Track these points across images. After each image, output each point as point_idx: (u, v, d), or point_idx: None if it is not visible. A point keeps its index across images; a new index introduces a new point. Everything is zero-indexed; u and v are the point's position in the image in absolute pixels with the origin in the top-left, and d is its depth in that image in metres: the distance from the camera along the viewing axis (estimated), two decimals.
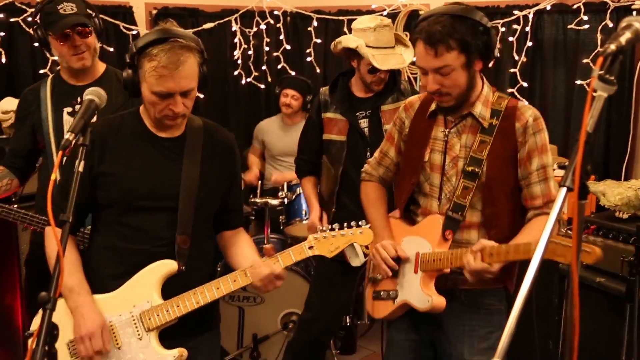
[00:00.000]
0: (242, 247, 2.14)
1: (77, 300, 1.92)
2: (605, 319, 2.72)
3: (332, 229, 2.00)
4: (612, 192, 2.83)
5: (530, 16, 3.95)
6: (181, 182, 1.97)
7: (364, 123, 3.04)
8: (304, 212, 3.81)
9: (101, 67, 2.70)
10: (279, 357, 3.52)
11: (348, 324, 3.98)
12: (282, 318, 3.65)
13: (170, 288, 1.94)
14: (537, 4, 3.94)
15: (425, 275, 2.11)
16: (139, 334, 1.94)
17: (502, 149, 2.05)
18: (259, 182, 4.29)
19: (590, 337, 2.74)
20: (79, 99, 2.57)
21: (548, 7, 3.92)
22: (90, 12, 2.58)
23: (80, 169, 1.69)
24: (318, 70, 4.77)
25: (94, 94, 1.82)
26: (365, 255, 2.89)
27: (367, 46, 2.92)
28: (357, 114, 3.04)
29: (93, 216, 2.08)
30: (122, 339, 1.94)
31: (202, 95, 4.35)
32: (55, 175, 1.62)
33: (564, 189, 1.41)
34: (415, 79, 4.40)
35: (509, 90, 3.97)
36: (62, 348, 1.92)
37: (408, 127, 2.25)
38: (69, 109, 2.61)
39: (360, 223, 2.02)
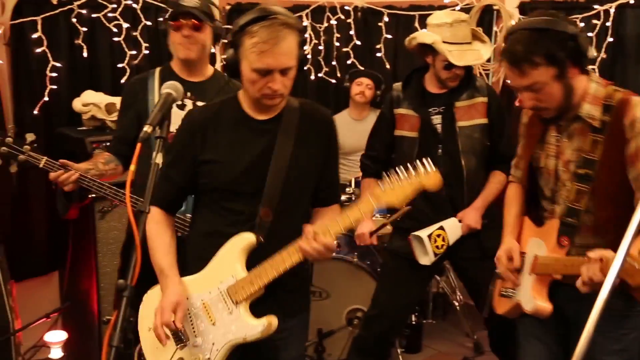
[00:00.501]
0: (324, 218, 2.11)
1: (165, 282, 2.01)
2: None
3: (397, 174, 1.88)
4: None
5: (612, 10, 3.80)
6: (272, 158, 2.00)
7: (436, 119, 2.99)
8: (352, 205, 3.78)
9: (210, 69, 2.77)
10: (343, 353, 3.53)
11: (414, 323, 3.96)
12: (347, 314, 3.66)
13: (256, 262, 1.98)
14: None
15: (538, 278, 2.09)
16: (229, 308, 2.00)
17: (615, 148, 1.95)
18: None
19: None
20: (188, 94, 2.64)
21: (632, 1, 3.76)
22: (212, 12, 2.66)
23: (158, 161, 1.74)
24: (388, 66, 4.73)
25: (171, 88, 1.86)
26: (436, 254, 2.87)
27: (444, 42, 2.88)
28: (430, 110, 3.00)
29: (195, 200, 2.17)
30: (215, 315, 2.02)
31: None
32: (135, 166, 1.67)
33: None
34: (487, 75, 4.31)
35: None
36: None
37: (527, 131, 2.25)
38: (178, 102, 2.67)
39: (425, 164, 1.88)
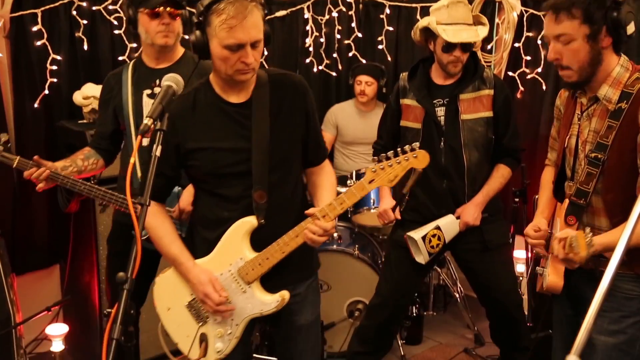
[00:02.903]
0: (323, 190, 2.24)
1: (182, 268, 2.13)
2: None
3: (387, 158, 2.00)
4: None
5: None
6: (252, 141, 2.07)
7: (440, 111, 2.98)
8: (372, 201, 3.80)
9: (180, 51, 2.81)
10: (344, 345, 3.54)
11: (415, 314, 3.96)
12: (348, 306, 3.67)
13: (260, 242, 2.10)
14: None
15: (554, 256, 2.11)
16: (242, 288, 2.13)
17: (628, 135, 1.97)
18: None
19: None
20: (157, 81, 2.68)
21: None
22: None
23: (158, 153, 1.74)
24: (389, 59, 4.72)
25: (172, 80, 1.87)
26: (430, 254, 2.89)
27: (441, 23, 2.88)
28: (435, 101, 2.99)
29: (194, 188, 2.26)
30: (230, 296, 2.14)
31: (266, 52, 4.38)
32: (135, 158, 1.67)
33: None
34: (489, 66, 4.29)
35: None
36: (183, 310, 2.20)
37: (563, 111, 2.29)
38: (148, 91, 2.71)
39: (413, 146, 1.98)
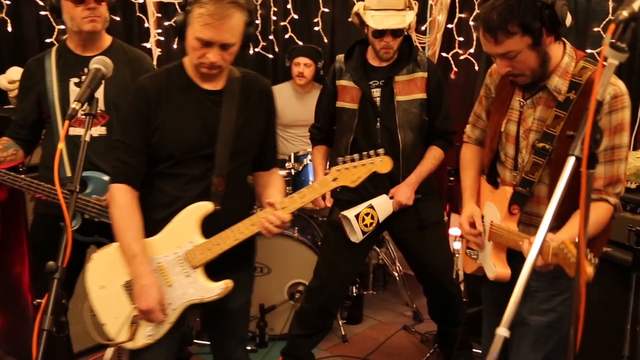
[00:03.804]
0: (273, 189, 2.28)
1: (139, 269, 2.05)
2: (612, 288, 2.72)
3: (352, 160, 2.07)
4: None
5: None
6: (219, 130, 2.09)
7: (376, 92, 3.01)
8: (310, 184, 3.81)
9: (108, 39, 2.72)
10: (285, 327, 3.56)
11: (355, 294, 4.01)
12: (288, 288, 3.68)
13: (211, 227, 2.09)
14: None
15: (495, 245, 2.14)
16: (186, 272, 2.11)
17: (577, 126, 1.97)
18: None
19: (597, 307, 2.75)
20: (85, 70, 2.57)
21: None
22: None
23: (87, 138, 1.70)
24: (326, 40, 4.72)
25: (100, 63, 1.82)
26: (364, 232, 2.94)
27: (370, 9, 2.90)
28: (371, 82, 3.02)
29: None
30: (172, 277, 2.11)
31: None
32: (62, 145, 1.62)
33: (573, 158, 1.41)
34: (423, 48, 4.35)
35: None
36: (118, 290, 2.12)
37: (494, 92, 2.26)
38: (76, 80, 2.61)
39: (378, 152, 2.06)
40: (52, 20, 3.75)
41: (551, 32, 1.94)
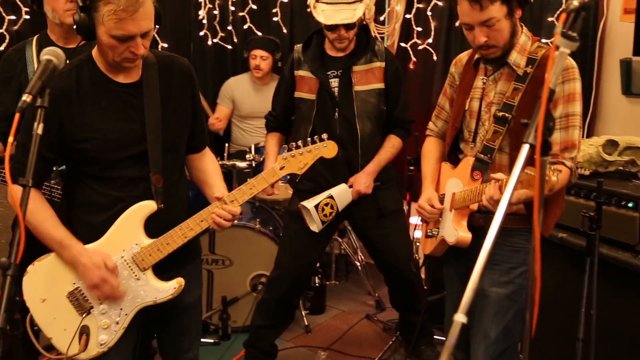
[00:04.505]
0: (212, 176, 2.23)
1: (72, 252, 1.96)
2: (567, 273, 2.79)
3: (297, 147, 2.08)
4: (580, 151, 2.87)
5: None
6: (145, 125, 2.00)
7: (334, 82, 3.02)
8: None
9: None
10: (247, 319, 3.55)
11: (317, 284, 4.03)
12: (251, 280, 3.68)
13: (154, 227, 2.01)
14: None
15: (457, 212, 2.25)
16: (135, 275, 2.04)
17: (533, 96, 2.10)
18: (226, 144, 4.24)
19: (553, 291, 2.82)
20: (67, 62, 2.51)
21: None
22: None
23: (39, 131, 1.65)
24: (285, 31, 4.70)
25: (51, 54, 1.76)
26: (324, 222, 2.95)
27: (320, 2, 2.90)
28: (328, 73, 3.02)
29: (68, 169, 2.10)
30: (121, 282, 2.02)
31: (165, 45, 4.27)
32: (12, 138, 1.58)
33: (527, 146, 1.43)
34: (382, 38, 4.37)
35: None
36: (62, 301, 2.02)
37: (458, 80, 2.40)
38: None
39: (323, 137, 2.09)
40: (2, 10, 3.65)
41: (520, 6, 2.15)
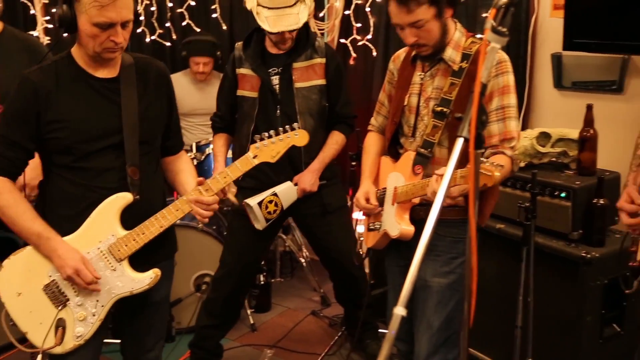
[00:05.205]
0: (185, 174, 2.28)
1: (50, 244, 2.00)
2: (505, 262, 2.86)
3: (269, 136, 2.11)
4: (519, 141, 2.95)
5: None
6: (122, 119, 2.04)
7: (275, 80, 3.00)
8: (217, 170, 3.76)
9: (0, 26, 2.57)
10: (192, 320, 3.51)
11: (262, 282, 4.01)
12: (195, 280, 3.63)
13: (130, 219, 2.05)
14: None
15: (400, 206, 2.28)
16: (112, 266, 2.06)
17: (468, 90, 2.14)
18: None
19: (492, 280, 2.89)
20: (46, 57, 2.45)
21: None
22: None
23: None
24: (224, 27, 4.65)
25: None
26: (267, 220, 2.94)
27: (262, 6, 2.86)
28: (269, 70, 3.00)
29: (43, 162, 2.12)
30: (97, 274, 2.04)
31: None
32: None
33: (461, 139, 1.46)
34: (322, 34, 4.38)
35: None
36: (39, 294, 2.04)
37: (397, 76, 2.44)
38: None
39: (294, 126, 2.13)
40: None
41: (450, 6, 2.21)
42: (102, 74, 2.05)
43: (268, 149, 2.11)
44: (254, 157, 2.10)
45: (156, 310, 2.28)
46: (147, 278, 2.08)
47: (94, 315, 2.06)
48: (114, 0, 1.88)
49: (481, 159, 1.86)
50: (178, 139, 2.34)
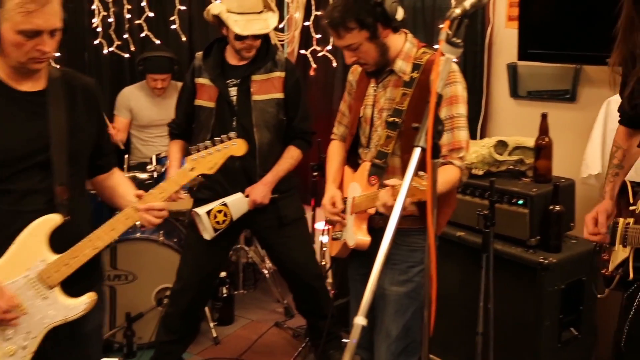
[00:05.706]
0: (123, 187, 2.16)
1: None
2: (465, 269, 2.90)
3: (206, 147, 2.04)
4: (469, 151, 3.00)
5: None
6: (51, 135, 1.90)
7: (233, 91, 3.00)
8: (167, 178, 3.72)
9: None
10: (153, 335, 3.45)
11: (225, 295, 3.98)
12: (156, 294, 3.58)
13: (60, 241, 1.91)
14: None
15: (357, 216, 2.30)
16: (42, 294, 1.92)
17: (421, 100, 2.18)
18: (126, 156, 4.10)
19: (453, 287, 2.92)
20: None
21: None
22: None
23: None
24: (184, 39, 4.62)
25: None
26: (216, 230, 2.93)
27: (231, 12, 2.88)
28: (228, 81, 3.00)
29: None
30: (25, 304, 1.91)
31: (58, 54, 4.09)
32: None
33: (418, 149, 1.48)
34: (282, 45, 4.39)
35: None
36: None
37: (355, 87, 2.47)
38: None
39: (230, 135, 2.05)
40: None
41: (386, 26, 2.20)
42: (26, 87, 1.90)
43: (205, 160, 2.02)
44: (192, 169, 2.02)
45: (90, 340, 2.13)
46: (82, 304, 1.94)
47: (24, 349, 1.92)
48: (41, 6, 1.75)
49: (419, 172, 1.87)
50: (110, 157, 2.21)
